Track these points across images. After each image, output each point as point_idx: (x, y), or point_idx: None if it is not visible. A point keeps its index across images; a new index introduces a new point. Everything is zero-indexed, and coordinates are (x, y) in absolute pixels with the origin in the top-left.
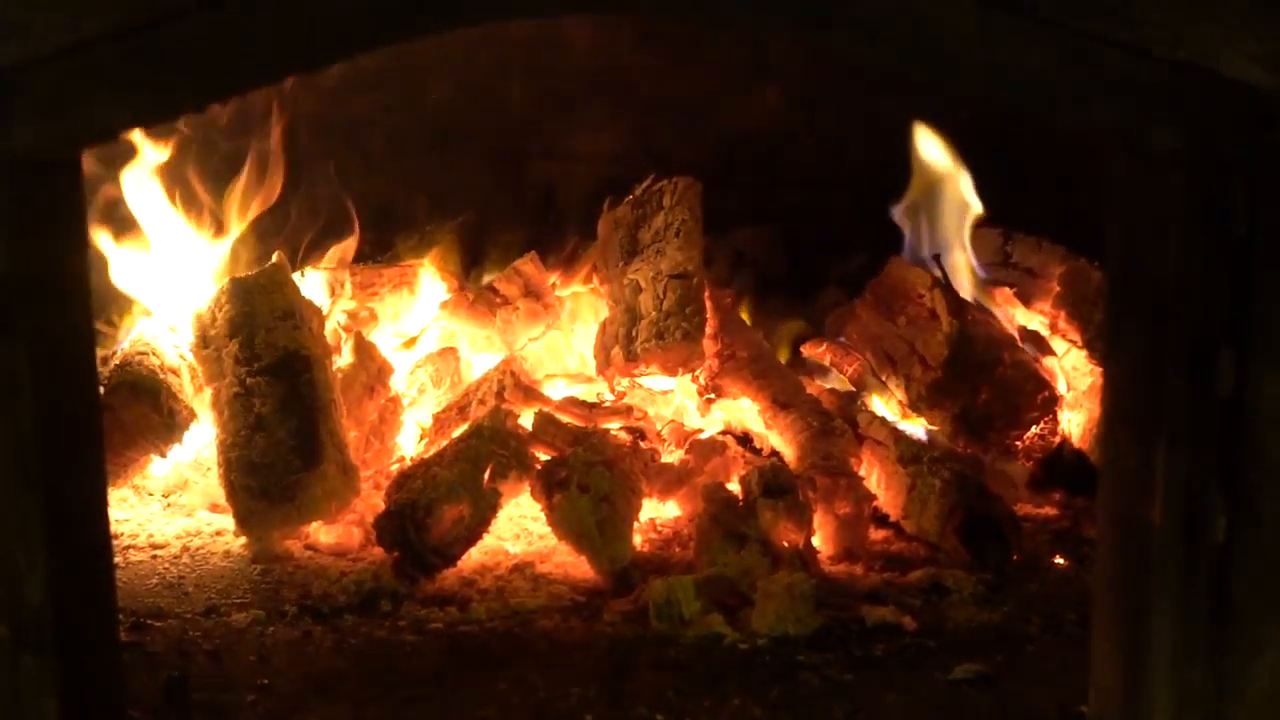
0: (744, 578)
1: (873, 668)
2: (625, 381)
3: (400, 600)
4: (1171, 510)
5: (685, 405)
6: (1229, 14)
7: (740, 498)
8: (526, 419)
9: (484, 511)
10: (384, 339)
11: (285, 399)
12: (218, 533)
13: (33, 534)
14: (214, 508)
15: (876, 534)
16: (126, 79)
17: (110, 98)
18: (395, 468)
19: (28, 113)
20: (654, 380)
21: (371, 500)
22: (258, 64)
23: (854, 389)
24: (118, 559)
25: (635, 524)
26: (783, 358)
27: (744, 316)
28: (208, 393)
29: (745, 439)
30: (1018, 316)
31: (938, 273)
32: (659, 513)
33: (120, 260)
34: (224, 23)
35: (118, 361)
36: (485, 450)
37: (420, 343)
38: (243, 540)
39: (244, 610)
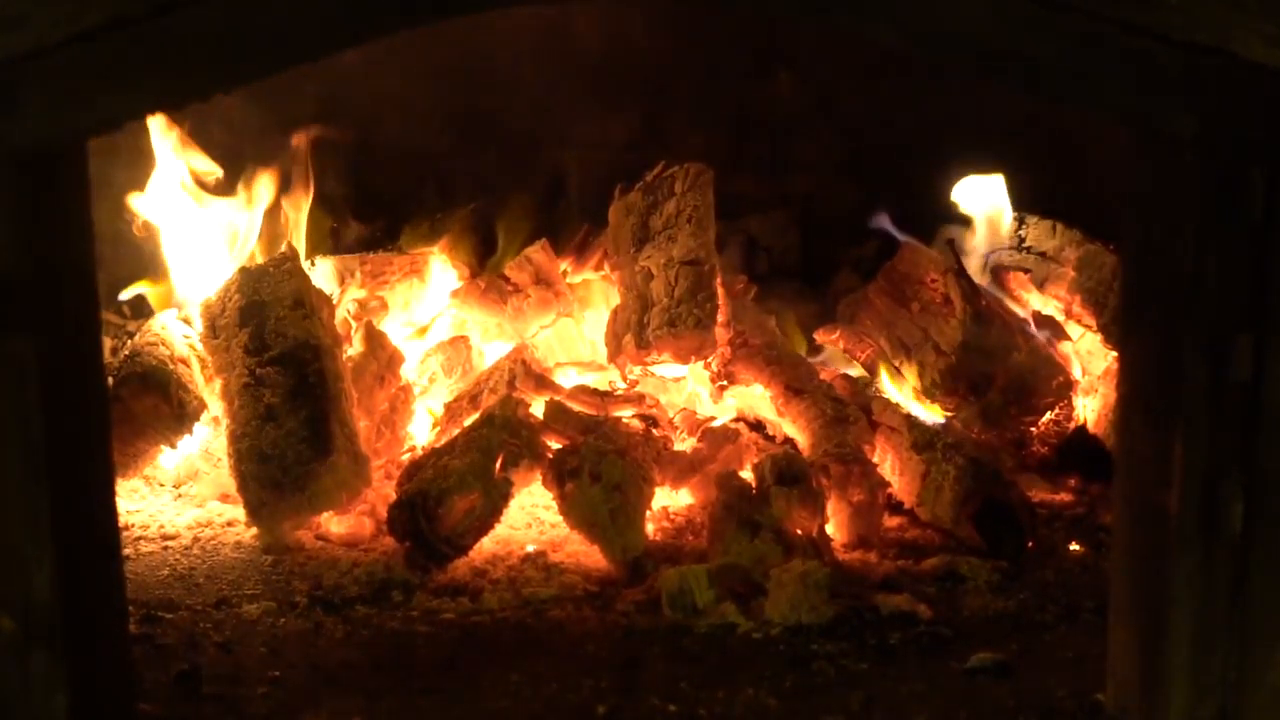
0: (757, 566)
1: (888, 656)
2: (637, 369)
3: (412, 591)
4: (1189, 498)
5: (698, 393)
6: None
7: (753, 486)
8: (538, 408)
9: (495, 501)
10: (395, 328)
11: (295, 389)
12: (229, 523)
13: (40, 527)
14: (225, 498)
15: (890, 521)
16: (129, 69)
17: (113, 88)
18: (406, 457)
19: (32, 104)
20: (666, 368)
21: (383, 490)
22: (258, 54)
23: (867, 375)
24: (128, 550)
25: (648, 513)
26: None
27: (756, 303)
28: (218, 383)
29: (758, 426)
30: (1032, 301)
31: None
32: (672, 501)
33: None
34: (224, 12)
35: (127, 352)
36: (497, 439)
37: (431, 331)
38: (254, 531)
39: (255, 602)
